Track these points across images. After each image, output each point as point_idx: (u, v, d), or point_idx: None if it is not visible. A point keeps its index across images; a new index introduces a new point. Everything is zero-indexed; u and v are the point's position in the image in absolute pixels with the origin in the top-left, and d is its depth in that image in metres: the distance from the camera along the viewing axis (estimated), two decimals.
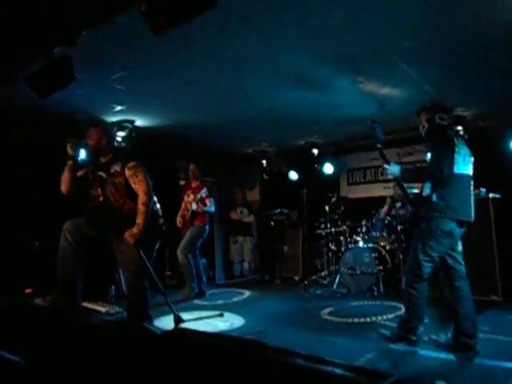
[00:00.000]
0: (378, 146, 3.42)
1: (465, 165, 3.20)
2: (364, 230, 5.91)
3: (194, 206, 5.49)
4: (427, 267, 3.13)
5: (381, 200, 6.24)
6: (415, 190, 3.91)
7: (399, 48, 3.46)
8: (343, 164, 7.38)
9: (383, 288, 5.34)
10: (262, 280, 7.16)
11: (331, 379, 0.90)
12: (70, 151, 3.27)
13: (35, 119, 4.77)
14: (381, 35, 3.28)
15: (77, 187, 3.41)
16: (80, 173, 3.44)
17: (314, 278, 6.48)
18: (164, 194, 4.20)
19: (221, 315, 4.44)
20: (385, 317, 4.15)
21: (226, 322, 4.22)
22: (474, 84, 4.36)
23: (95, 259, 3.77)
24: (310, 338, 3.65)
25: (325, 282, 6.22)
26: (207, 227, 5.65)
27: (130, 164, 3.31)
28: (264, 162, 7.62)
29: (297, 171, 7.34)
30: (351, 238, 6.04)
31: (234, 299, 5.56)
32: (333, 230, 6.33)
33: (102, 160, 3.43)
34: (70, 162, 3.34)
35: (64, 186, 3.38)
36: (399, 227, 5.52)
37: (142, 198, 3.23)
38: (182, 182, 5.92)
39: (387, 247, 5.71)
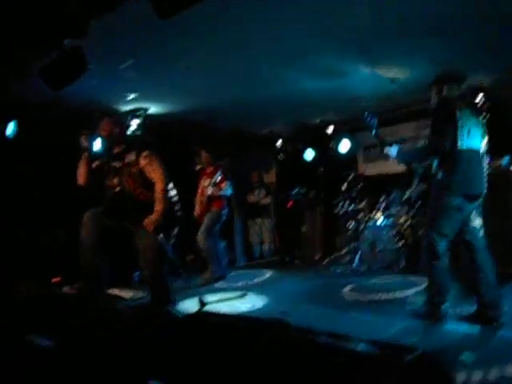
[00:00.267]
0: (374, 132, 3.39)
1: (471, 139, 3.07)
2: (383, 206, 5.85)
3: (210, 191, 5.48)
4: (441, 244, 3.10)
5: (399, 176, 6.14)
6: None
7: (413, 16, 3.35)
8: (360, 141, 7.26)
9: (404, 264, 5.30)
10: (281, 261, 7.19)
11: (356, 355, 0.90)
12: (84, 143, 3.31)
13: (49, 113, 4.82)
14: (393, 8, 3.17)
15: (93, 179, 3.46)
16: (95, 164, 3.48)
17: (333, 256, 6.48)
18: (180, 179, 4.23)
19: (243, 296, 4.49)
20: (407, 292, 4.13)
21: (247, 304, 4.27)
22: (493, 49, 4.19)
23: (118, 246, 3.85)
24: (333, 316, 3.66)
25: (345, 261, 6.21)
26: (225, 211, 5.65)
27: (145, 153, 3.34)
28: (279, 142, 7.56)
29: (312, 150, 7.26)
30: (370, 215, 5.98)
31: (255, 280, 5.60)
32: (351, 207, 6.28)
33: (116, 150, 3.46)
34: (85, 155, 3.38)
35: (81, 179, 3.44)
36: (419, 202, 5.44)
37: (158, 185, 3.27)
38: (197, 167, 5.92)
39: (407, 223, 5.64)
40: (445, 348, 2.70)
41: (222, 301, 4.35)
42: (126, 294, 4.55)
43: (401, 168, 6.70)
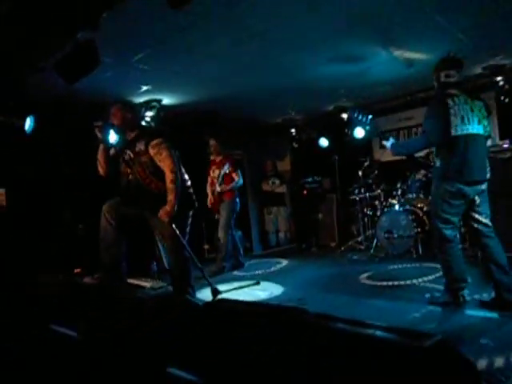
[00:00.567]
0: (368, 128, 3.37)
1: (466, 125, 3.05)
2: (399, 192, 5.79)
3: (219, 189, 5.48)
4: (447, 230, 3.12)
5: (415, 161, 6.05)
6: None
7: None
8: (374, 126, 7.15)
9: (422, 250, 5.26)
10: (298, 249, 7.21)
11: (374, 342, 0.91)
12: (99, 134, 3.33)
13: (65, 107, 4.89)
14: None
15: (112, 167, 3.50)
16: (112, 152, 3.51)
17: (350, 243, 6.46)
18: (195, 169, 4.24)
19: (257, 283, 4.53)
20: (425, 278, 4.11)
21: (265, 291, 4.31)
22: None
23: (136, 236, 3.91)
24: (350, 303, 3.67)
25: (362, 248, 6.19)
26: (238, 200, 5.66)
27: (153, 142, 3.29)
28: (293, 130, 7.52)
29: (327, 137, 7.19)
30: (386, 201, 5.94)
31: (272, 268, 5.64)
32: (367, 194, 6.24)
33: (130, 136, 3.45)
34: (101, 146, 3.41)
35: (101, 169, 3.49)
36: None
37: (168, 175, 3.24)
38: (212, 157, 5.95)
39: (424, 208, 5.58)
40: (464, 334, 2.68)
41: (237, 288, 4.40)
42: (146, 283, 4.63)
43: (417, 153, 6.61)
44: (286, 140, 7.90)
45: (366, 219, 6.33)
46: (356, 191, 6.38)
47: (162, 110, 5.49)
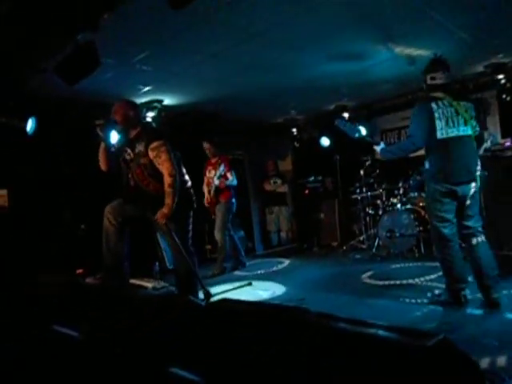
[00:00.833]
0: (357, 136, 3.38)
1: (451, 127, 3.09)
2: (401, 191, 5.78)
3: (217, 182, 5.45)
4: (445, 228, 3.16)
5: (417, 160, 6.04)
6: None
7: None
8: (376, 126, 7.16)
9: (424, 249, 5.25)
10: (300, 248, 7.21)
11: (375, 341, 0.91)
12: (100, 133, 3.33)
13: (66, 107, 4.90)
14: None
15: (114, 164, 3.50)
16: (112, 150, 3.51)
17: (352, 243, 6.46)
18: (196, 170, 4.23)
19: (249, 284, 4.56)
20: (427, 278, 4.10)
21: (267, 291, 4.31)
22: None
23: (138, 237, 3.91)
24: (352, 302, 3.67)
25: (364, 247, 6.19)
26: (233, 200, 5.64)
27: (153, 145, 3.26)
28: (294, 130, 7.51)
29: (328, 137, 7.18)
30: (388, 200, 5.93)
31: (274, 268, 5.64)
32: (369, 193, 6.23)
33: (131, 134, 3.44)
34: (102, 144, 3.41)
35: (103, 166, 3.49)
36: None
37: (167, 179, 3.22)
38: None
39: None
40: (467, 333, 2.67)
41: (227, 291, 4.39)
42: (148, 283, 4.64)
43: (418, 152, 6.60)
44: (287, 140, 7.90)
45: (367, 218, 6.32)
46: (358, 190, 6.38)
47: (163, 110, 5.50)
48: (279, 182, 7.63)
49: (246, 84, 5.08)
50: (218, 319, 1.18)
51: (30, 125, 4.49)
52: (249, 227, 7.49)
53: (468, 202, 3.14)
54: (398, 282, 4.11)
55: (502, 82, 5.28)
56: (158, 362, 1.10)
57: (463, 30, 3.97)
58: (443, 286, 3.37)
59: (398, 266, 4.94)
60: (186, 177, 3.59)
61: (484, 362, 2.16)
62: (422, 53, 4.38)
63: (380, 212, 5.97)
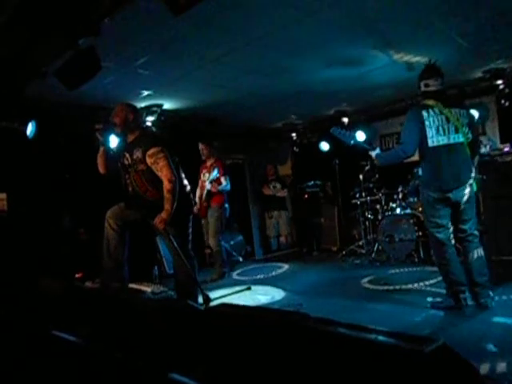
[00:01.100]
0: (352, 142, 3.40)
1: (442, 135, 3.11)
2: (400, 196, 5.79)
3: (209, 186, 5.34)
4: (439, 234, 3.20)
5: (416, 165, 6.05)
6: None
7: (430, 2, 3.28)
8: (375, 131, 7.18)
9: (423, 254, 5.25)
10: (299, 253, 7.20)
11: (375, 347, 0.90)
12: (99, 137, 3.33)
13: (66, 111, 4.91)
14: None
15: (113, 168, 3.50)
16: (111, 154, 3.52)
17: (351, 247, 6.45)
18: (194, 174, 4.22)
19: (248, 289, 4.55)
20: (426, 282, 4.09)
21: (266, 296, 4.30)
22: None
23: (138, 241, 3.91)
24: (351, 307, 3.66)
25: (363, 252, 6.18)
26: (226, 206, 5.53)
27: (150, 152, 3.25)
28: (294, 134, 7.53)
29: (328, 142, 7.20)
30: (387, 205, 5.93)
31: (274, 273, 5.64)
32: (368, 198, 6.23)
33: (130, 138, 3.44)
34: (101, 148, 3.42)
35: (101, 168, 3.50)
36: None
37: (166, 185, 3.21)
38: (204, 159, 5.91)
39: None
40: (466, 338, 2.67)
41: (226, 296, 4.38)
42: (147, 288, 4.63)
43: (416, 157, 6.62)
44: (286, 144, 7.91)
45: (367, 223, 6.32)
46: (357, 195, 6.38)
47: (163, 114, 5.51)
48: (279, 186, 7.63)
49: (245, 89, 5.09)
50: (217, 324, 1.18)
51: (30, 129, 4.49)
52: (248, 232, 7.48)
53: (462, 206, 3.16)
54: (397, 287, 4.11)
55: (501, 87, 5.31)
56: (157, 366, 1.10)
57: (462, 37, 3.99)
58: (443, 291, 3.38)
59: (397, 270, 4.93)
60: (185, 181, 3.59)
61: (484, 368, 2.15)
62: (420, 59, 4.40)
63: (379, 217, 5.97)
